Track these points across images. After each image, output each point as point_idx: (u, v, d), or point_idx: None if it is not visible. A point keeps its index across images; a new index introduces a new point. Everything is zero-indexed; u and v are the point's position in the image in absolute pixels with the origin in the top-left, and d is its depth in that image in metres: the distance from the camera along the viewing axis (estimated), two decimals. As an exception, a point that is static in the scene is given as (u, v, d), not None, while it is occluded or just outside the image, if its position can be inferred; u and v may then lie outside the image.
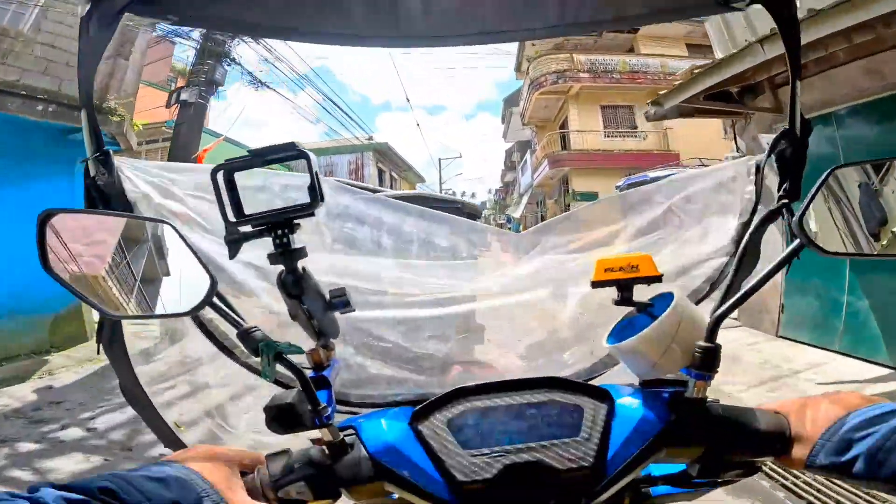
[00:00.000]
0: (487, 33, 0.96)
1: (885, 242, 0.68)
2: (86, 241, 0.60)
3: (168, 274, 0.60)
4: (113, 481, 0.38)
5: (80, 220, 0.62)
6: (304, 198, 0.57)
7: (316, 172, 0.54)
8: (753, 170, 0.91)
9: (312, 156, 0.55)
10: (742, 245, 0.78)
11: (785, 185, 0.77)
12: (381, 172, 24.83)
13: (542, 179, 21.01)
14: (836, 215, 0.71)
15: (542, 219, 16.63)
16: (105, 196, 0.72)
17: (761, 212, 0.91)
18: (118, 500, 0.37)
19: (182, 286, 0.56)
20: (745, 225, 0.91)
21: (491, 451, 0.54)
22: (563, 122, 20.04)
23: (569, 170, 18.82)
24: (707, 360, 0.56)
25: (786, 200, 0.72)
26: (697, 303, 0.89)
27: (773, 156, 0.81)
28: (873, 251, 0.71)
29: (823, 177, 0.64)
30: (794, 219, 0.61)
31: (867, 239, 0.71)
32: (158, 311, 0.56)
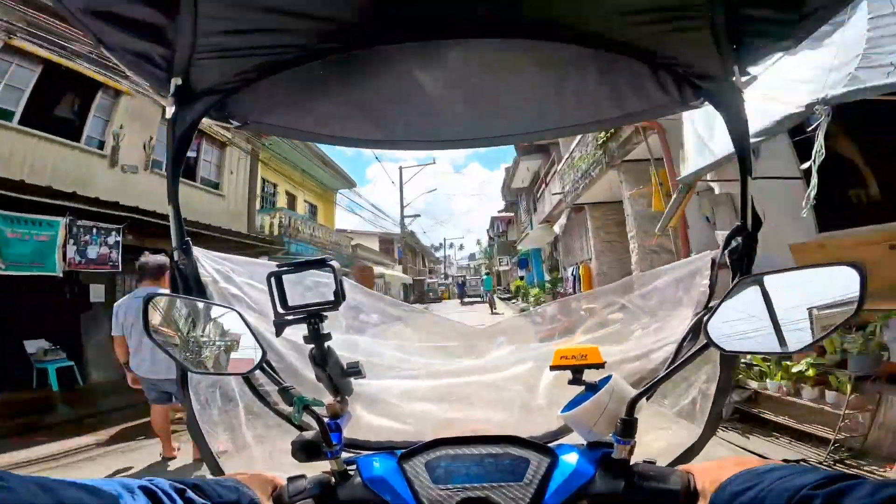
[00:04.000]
0: (497, 137, 1.22)
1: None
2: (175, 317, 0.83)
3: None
4: (200, 482, 0.58)
5: (171, 301, 0.85)
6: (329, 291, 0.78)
7: (341, 280, 0.75)
8: (710, 265, 0.97)
9: (337, 266, 0.76)
10: (682, 336, 0.91)
11: (735, 280, 0.83)
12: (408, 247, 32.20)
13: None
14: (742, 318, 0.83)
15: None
16: (185, 278, 0.93)
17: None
18: (203, 495, 0.57)
19: (239, 353, 0.78)
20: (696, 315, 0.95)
21: (454, 487, 0.72)
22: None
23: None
24: (625, 429, 0.73)
25: (727, 294, 0.76)
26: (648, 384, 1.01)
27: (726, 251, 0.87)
28: (772, 350, 0.82)
29: (731, 286, 0.74)
30: (703, 322, 0.74)
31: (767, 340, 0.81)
32: (224, 369, 0.78)
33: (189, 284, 0.94)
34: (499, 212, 38.50)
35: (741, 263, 0.87)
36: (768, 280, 0.81)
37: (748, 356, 3.56)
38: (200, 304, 0.83)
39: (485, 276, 39.29)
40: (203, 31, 0.78)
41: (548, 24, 0.84)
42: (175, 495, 0.52)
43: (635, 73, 0.94)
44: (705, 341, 0.74)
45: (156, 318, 0.80)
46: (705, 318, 0.74)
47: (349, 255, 20.20)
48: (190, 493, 0.55)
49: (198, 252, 0.97)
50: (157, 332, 0.79)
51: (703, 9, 0.78)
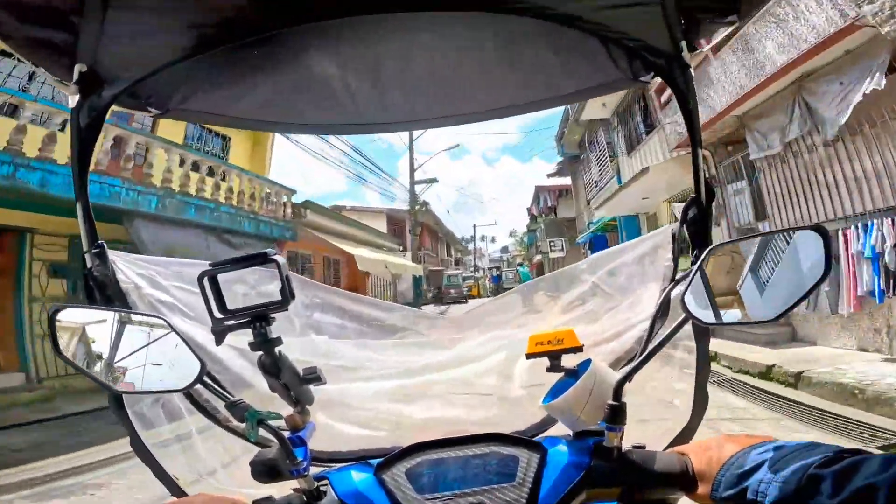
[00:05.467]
0: (451, 116, 1.17)
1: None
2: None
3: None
4: None
5: (83, 313, 0.72)
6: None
7: (287, 276, 0.65)
8: (671, 238, 0.97)
9: (282, 260, 0.66)
10: (654, 311, 0.89)
11: (695, 252, 0.87)
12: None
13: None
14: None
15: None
16: (102, 286, 0.82)
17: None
18: None
19: (175, 367, 0.67)
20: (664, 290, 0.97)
21: (442, 496, 0.65)
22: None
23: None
24: (614, 415, 0.68)
25: (695, 266, 0.76)
26: (628, 363, 1.00)
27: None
28: (746, 320, 0.82)
29: (702, 257, 0.75)
30: (681, 296, 0.71)
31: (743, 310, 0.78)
32: (157, 387, 0.66)
33: (107, 294, 0.82)
34: (549, 176, 26.83)
35: (699, 235, 0.87)
36: (731, 248, 0.82)
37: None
38: (121, 315, 0.70)
39: (519, 268, 34.40)
40: (111, 12, 0.72)
41: None
42: None
43: (588, 48, 0.93)
44: (683, 316, 0.72)
45: (66, 336, 0.67)
46: (682, 292, 0.72)
47: (292, 222, 12.92)
48: None
49: (114, 256, 0.86)
50: (71, 352, 0.66)
51: None
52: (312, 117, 1.14)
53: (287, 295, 0.65)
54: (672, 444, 0.83)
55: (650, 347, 0.74)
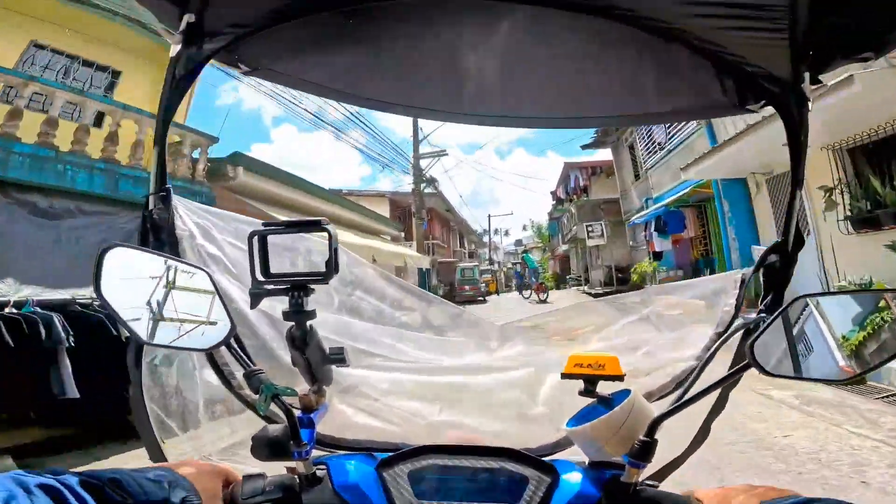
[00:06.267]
0: (524, 118, 1.14)
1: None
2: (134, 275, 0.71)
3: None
4: (120, 475, 0.47)
5: (132, 255, 0.73)
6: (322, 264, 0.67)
7: (336, 248, 0.63)
8: (739, 283, 0.94)
9: (334, 231, 0.65)
10: (708, 353, 0.85)
11: (766, 300, 0.82)
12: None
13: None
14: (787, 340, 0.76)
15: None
16: (158, 229, 0.83)
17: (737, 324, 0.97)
18: (123, 490, 0.46)
19: (205, 326, 0.66)
20: (720, 335, 0.93)
21: None
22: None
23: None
24: (643, 452, 0.63)
25: (763, 315, 0.76)
26: (659, 398, 0.94)
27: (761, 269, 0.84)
28: (822, 377, 0.75)
29: (785, 305, 0.70)
30: (747, 342, 0.67)
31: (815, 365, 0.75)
32: (182, 343, 0.65)
33: (161, 238, 0.83)
34: (583, 147, 21.08)
35: (777, 284, 0.82)
36: (820, 301, 0.75)
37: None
38: (168, 262, 0.70)
39: (524, 255, 29.73)
40: None
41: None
42: (85, 494, 0.42)
43: (695, 67, 0.89)
44: (745, 361, 0.66)
45: (110, 276, 0.68)
46: (752, 340, 0.66)
47: (204, 183, 8.30)
48: (108, 492, 0.44)
49: (177, 201, 0.87)
50: (112, 293, 0.67)
51: (782, 10, 0.74)
52: (387, 95, 1.12)
53: (332, 268, 0.64)
54: (658, 475, 0.80)
55: (694, 390, 0.71)
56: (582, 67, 0.99)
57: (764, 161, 8.60)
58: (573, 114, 1.12)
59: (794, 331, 0.77)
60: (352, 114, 15.39)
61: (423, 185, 20.64)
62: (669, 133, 12.36)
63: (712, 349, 0.86)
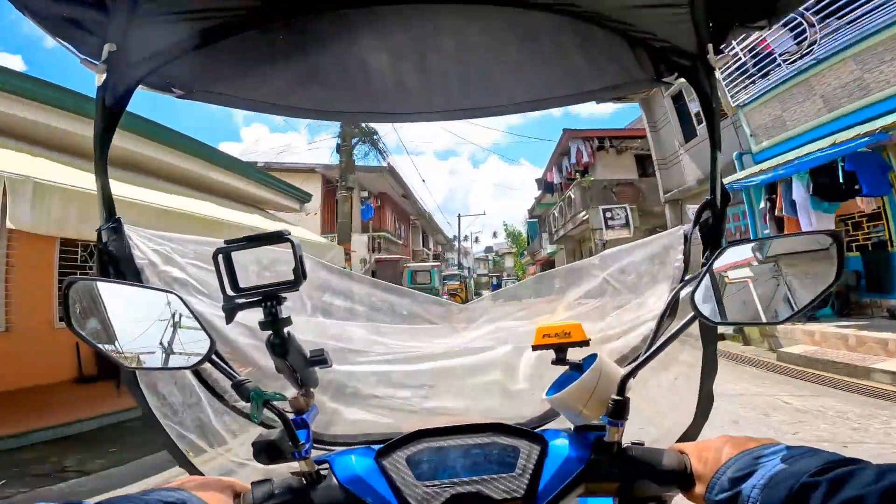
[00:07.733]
0: (469, 109, 1.17)
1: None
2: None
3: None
4: (133, 501, 0.48)
5: (97, 287, 0.73)
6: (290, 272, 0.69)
7: (301, 256, 0.65)
8: (682, 239, 0.99)
9: (297, 241, 0.66)
10: (661, 310, 0.89)
11: (707, 253, 0.88)
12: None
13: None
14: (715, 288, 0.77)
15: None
16: (116, 261, 0.83)
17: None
18: None
19: (185, 344, 0.67)
20: (673, 290, 0.97)
21: (441, 483, 0.66)
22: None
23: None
24: (618, 411, 0.68)
25: (706, 266, 0.81)
26: (633, 361, 1.00)
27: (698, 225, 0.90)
28: (758, 320, 0.82)
29: (714, 255, 0.74)
30: (688, 294, 0.71)
31: (753, 310, 0.77)
32: (167, 364, 0.67)
33: (121, 269, 0.83)
34: (598, 102, 9.73)
35: (712, 236, 0.89)
36: (749, 248, 0.81)
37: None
38: (134, 290, 0.71)
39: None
40: None
41: None
42: None
43: (614, 46, 0.94)
44: (691, 314, 0.71)
45: (80, 310, 0.68)
46: (691, 292, 0.71)
47: None
48: None
49: (129, 230, 0.86)
50: (84, 326, 0.67)
51: None
52: (331, 105, 1.14)
53: (300, 275, 0.65)
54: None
55: (656, 344, 0.74)
56: (508, 57, 1.03)
57: None
58: (506, 101, 1.16)
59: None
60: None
61: (354, 142, 14.20)
62: (800, 35, 7.28)
63: (666, 304, 0.90)
